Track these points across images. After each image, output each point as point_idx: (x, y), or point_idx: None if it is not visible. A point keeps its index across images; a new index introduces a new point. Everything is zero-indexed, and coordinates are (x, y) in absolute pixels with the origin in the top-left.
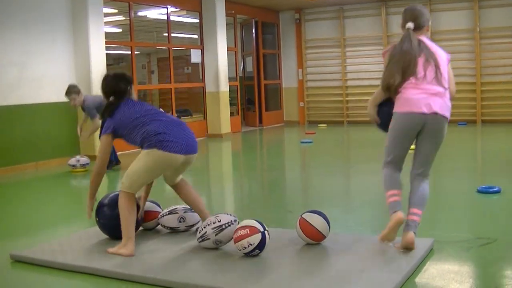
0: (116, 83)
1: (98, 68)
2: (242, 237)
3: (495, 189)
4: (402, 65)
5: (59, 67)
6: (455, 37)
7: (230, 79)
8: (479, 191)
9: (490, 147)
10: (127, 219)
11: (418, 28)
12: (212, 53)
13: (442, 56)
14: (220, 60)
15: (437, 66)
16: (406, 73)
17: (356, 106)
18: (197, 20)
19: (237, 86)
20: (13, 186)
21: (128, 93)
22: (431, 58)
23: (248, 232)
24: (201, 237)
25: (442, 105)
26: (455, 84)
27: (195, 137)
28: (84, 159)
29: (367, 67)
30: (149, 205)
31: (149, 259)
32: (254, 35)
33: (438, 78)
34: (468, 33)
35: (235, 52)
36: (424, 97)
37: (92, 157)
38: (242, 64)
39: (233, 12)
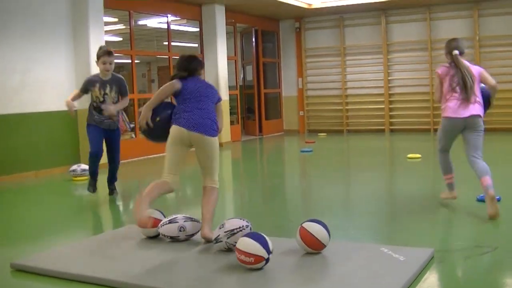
0: (188, 62)
1: None
2: (246, 263)
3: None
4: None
5: (60, 75)
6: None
7: (230, 87)
8: (478, 200)
9: (490, 155)
10: (152, 191)
11: (461, 53)
12: (212, 62)
13: (475, 71)
14: (220, 69)
15: (473, 81)
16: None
17: (356, 115)
18: (197, 29)
19: (237, 95)
20: (13, 194)
21: (197, 72)
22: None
23: (253, 261)
24: (215, 239)
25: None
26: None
27: (211, 122)
28: (85, 166)
29: (367, 75)
30: (152, 213)
31: (151, 268)
32: (254, 43)
33: (473, 90)
34: (469, 41)
35: (235, 60)
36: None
37: None
38: (242, 72)
39: (233, 21)
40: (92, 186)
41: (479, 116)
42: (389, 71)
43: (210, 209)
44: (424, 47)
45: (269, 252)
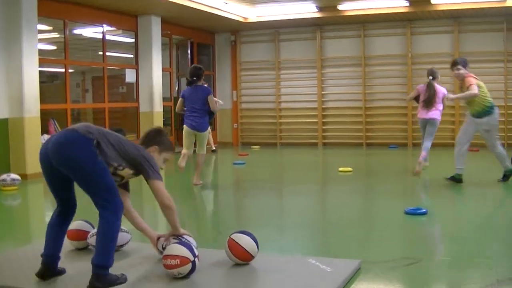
0: (195, 70)
1: (31, 85)
2: (172, 267)
3: (422, 211)
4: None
5: None
6: (389, 62)
7: (164, 99)
8: (406, 213)
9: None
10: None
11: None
12: (147, 73)
13: (439, 91)
14: (154, 80)
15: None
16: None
17: (290, 128)
18: (133, 40)
19: (171, 106)
20: None
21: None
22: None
23: (179, 263)
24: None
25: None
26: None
27: (198, 121)
28: (14, 175)
29: (301, 90)
30: (79, 225)
31: (78, 280)
32: (189, 56)
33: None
34: (401, 58)
35: (170, 72)
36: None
37: (23, 176)
38: (177, 84)
39: (169, 32)
40: None
41: (435, 118)
42: (323, 85)
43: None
44: (358, 62)
45: (194, 255)
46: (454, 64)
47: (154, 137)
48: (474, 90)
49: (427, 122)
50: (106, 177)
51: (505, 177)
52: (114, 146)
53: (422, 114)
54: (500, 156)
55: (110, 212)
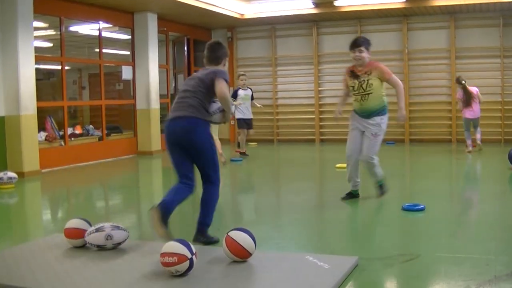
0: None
1: (27, 82)
2: (170, 265)
3: (419, 207)
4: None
5: None
6: (385, 58)
7: (161, 96)
8: (404, 209)
9: (416, 166)
10: None
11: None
12: (143, 70)
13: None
14: (151, 77)
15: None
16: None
17: (287, 125)
18: (129, 37)
19: (168, 103)
20: None
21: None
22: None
23: (176, 260)
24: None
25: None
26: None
27: None
28: (11, 173)
29: (297, 86)
30: (77, 223)
31: (77, 278)
32: (186, 52)
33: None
34: (397, 54)
35: (167, 69)
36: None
37: (20, 174)
38: (174, 81)
39: (165, 29)
40: None
41: (479, 116)
42: (319, 81)
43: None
44: None
45: (192, 253)
46: (356, 44)
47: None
48: (399, 82)
49: (474, 120)
50: (216, 157)
51: (349, 195)
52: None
53: (470, 114)
54: (375, 173)
55: (217, 186)
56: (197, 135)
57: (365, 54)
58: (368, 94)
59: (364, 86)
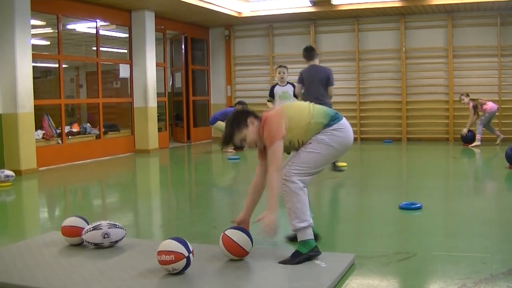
0: None
1: (24, 80)
2: (167, 263)
3: (416, 206)
4: None
5: None
6: (382, 57)
7: (158, 94)
8: (401, 208)
9: (414, 164)
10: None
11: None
12: (140, 68)
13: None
14: (148, 75)
15: None
16: None
17: None
18: (127, 35)
19: (165, 101)
20: None
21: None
22: None
23: (173, 258)
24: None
25: None
26: None
27: None
28: (8, 172)
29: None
30: (74, 221)
31: (74, 275)
32: (183, 50)
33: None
34: (395, 53)
35: (164, 67)
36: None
37: (17, 172)
38: (171, 79)
39: (162, 27)
40: None
41: None
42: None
43: None
44: (352, 57)
45: (189, 251)
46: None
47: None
48: None
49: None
50: None
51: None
52: None
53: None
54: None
55: None
56: None
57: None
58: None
59: None
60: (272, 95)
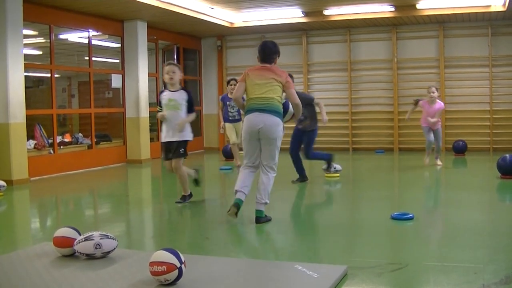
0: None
1: (16, 90)
2: (159, 274)
3: (408, 216)
4: None
5: None
6: (374, 67)
7: (150, 104)
8: (393, 218)
9: (406, 175)
10: None
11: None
12: (133, 78)
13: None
14: (141, 86)
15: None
16: None
17: None
18: (119, 45)
19: (157, 111)
20: None
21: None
22: None
23: (165, 269)
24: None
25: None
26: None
27: None
28: (0, 182)
29: None
30: (66, 231)
31: (65, 286)
32: (175, 61)
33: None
34: (387, 63)
35: (156, 77)
36: None
37: (8, 182)
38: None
39: (155, 37)
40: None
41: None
42: (309, 90)
43: None
44: (344, 67)
45: (181, 262)
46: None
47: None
48: None
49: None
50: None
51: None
52: None
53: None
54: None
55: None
56: None
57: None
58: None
59: None
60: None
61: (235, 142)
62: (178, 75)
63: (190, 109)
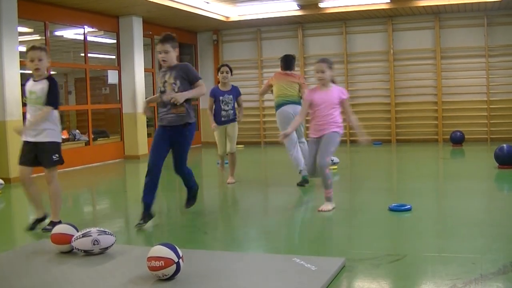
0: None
1: (12, 88)
2: (156, 269)
3: (406, 207)
4: None
5: None
6: (371, 59)
7: None
8: (390, 209)
9: (403, 166)
10: None
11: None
12: (129, 74)
13: None
14: (137, 81)
15: None
16: None
17: (273, 127)
18: (114, 41)
19: (154, 107)
20: None
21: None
22: None
23: (163, 264)
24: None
25: None
26: None
27: None
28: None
29: None
30: (64, 228)
31: (64, 283)
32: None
33: None
34: (383, 55)
35: (153, 73)
36: None
37: (6, 180)
38: None
39: (150, 33)
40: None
41: None
42: (306, 83)
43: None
44: (340, 60)
45: (179, 256)
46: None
47: None
48: None
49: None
50: None
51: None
52: None
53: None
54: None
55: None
56: None
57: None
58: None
59: None
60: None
61: (223, 154)
62: (45, 62)
63: (49, 101)
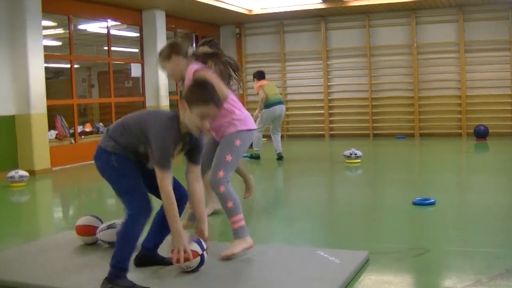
0: None
1: (37, 81)
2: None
3: (430, 201)
4: None
5: None
6: (394, 52)
7: (170, 93)
8: (414, 203)
9: (427, 160)
10: None
11: None
12: (152, 67)
13: None
14: (160, 74)
15: None
16: None
17: (295, 120)
18: (138, 34)
19: (177, 100)
20: None
21: None
22: None
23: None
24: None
25: None
26: None
27: None
28: (22, 172)
29: (306, 81)
30: (88, 220)
31: (88, 274)
32: (194, 49)
33: None
34: (406, 48)
35: None
36: None
37: (31, 172)
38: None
39: (173, 26)
40: None
41: None
42: (328, 76)
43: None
44: (363, 53)
45: (203, 249)
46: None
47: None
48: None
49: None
50: (124, 181)
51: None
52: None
53: None
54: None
55: (129, 215)
56: None
57: None
58: None
59: None
60: None
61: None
62: None
63: None
